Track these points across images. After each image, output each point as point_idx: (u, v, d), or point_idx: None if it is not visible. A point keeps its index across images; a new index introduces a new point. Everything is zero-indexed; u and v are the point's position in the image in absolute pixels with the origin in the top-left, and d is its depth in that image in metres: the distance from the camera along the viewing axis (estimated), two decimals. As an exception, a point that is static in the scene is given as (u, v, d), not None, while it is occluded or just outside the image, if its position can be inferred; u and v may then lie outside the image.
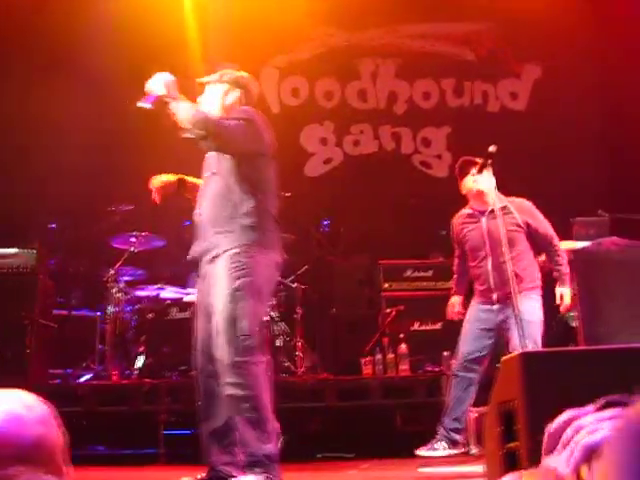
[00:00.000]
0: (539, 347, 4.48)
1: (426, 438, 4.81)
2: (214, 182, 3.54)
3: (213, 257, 3.45)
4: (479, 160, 4.42)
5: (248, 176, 3.50)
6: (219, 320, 3.33)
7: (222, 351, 3.29)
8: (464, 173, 4.69)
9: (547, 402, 2.37)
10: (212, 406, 3.39)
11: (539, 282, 4.83)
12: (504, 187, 4.69)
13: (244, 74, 3.84)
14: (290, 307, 6.35)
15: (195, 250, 3.57)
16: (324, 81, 8.35)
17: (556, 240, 4.83)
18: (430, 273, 6.46)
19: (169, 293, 6.06)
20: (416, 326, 6.27)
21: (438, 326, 6.26)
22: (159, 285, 6.12)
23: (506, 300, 4.53)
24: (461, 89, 8.47)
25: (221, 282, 3.37)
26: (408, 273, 6.46)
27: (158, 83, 3.40)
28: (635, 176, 7.50)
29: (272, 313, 6.15)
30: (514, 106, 8.51)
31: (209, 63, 7.89)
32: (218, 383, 3.35)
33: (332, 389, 5.56)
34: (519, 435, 2.37)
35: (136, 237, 6.16)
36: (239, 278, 3.34)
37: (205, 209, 3.54)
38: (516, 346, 4.24)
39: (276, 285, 3.78)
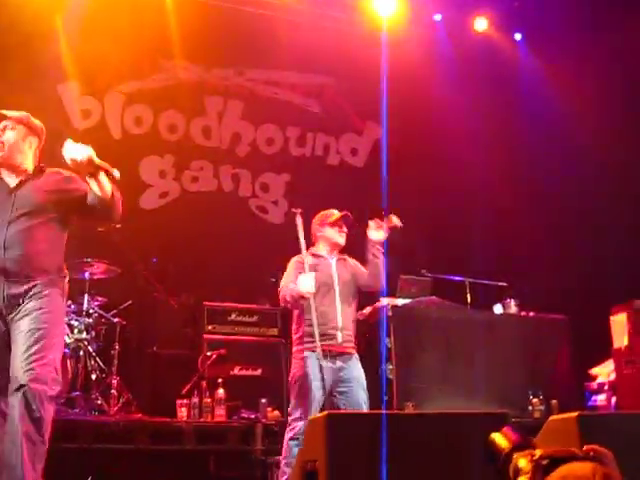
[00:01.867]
0: None
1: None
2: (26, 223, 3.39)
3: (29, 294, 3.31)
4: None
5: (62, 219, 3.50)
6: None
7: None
8: (339, 225, 4.79)
9: (349, 464, 2.40)
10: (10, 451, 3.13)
11: None
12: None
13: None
14: (108, 342, 6.12)
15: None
16: (169, 113, 8.23)
17: None
18: (255, 319, 6.49)
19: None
20: (236, 371, 6.23)
21: (258, 372, 6.27)
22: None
23: (344, 355, 4.52)
24: (304, 139, 8.66)
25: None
26: (233, 317, 6.45)
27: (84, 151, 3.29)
28: (455, 240, 7.92)
29: (89, 347, 5.91)
30: (353, 162, 8.81)
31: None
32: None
33: (144, 431, 5.36)
34: (319, 495, 2.38)
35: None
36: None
37: (18, 250, 3.34)
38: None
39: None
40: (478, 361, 5.87)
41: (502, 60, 8.97)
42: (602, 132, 7.65)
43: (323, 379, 4.36)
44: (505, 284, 6.63)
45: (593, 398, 7.11)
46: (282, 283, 4.62)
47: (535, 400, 6.00)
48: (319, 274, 4.57)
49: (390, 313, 5.77)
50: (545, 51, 8.56)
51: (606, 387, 7.05)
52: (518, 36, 9.26)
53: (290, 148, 8.61)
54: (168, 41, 7.96)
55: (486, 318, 6.25)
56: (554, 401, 6.03)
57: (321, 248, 4.82)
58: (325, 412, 2.32)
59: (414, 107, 8.45)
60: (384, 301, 5.95)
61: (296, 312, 4.68)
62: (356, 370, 4.51)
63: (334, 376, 4.44)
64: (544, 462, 1.51)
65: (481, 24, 9.00)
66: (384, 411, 3.59)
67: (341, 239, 4.78)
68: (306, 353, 4.48)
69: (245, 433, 5.50)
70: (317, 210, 4.93)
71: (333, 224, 4.78)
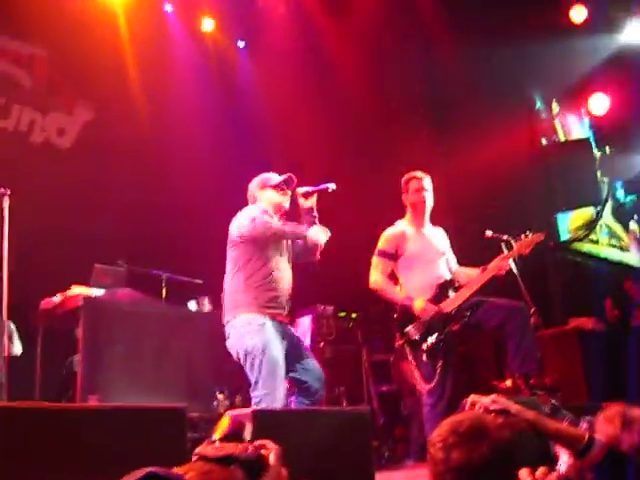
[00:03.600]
0: None
1: None
2: None
3: None
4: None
5: None
6: None
7: None
8: (282, 188, 4.55)
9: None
10: None
11: None
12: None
13: None
14: None
15: None
16: None
17: None
18: None
19: None
20: None
21: None
22: None
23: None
24: (9, 111, 8.01)
25: None
26: None
27: None
28: (155, 233, 7.83)
29: None
30: (59, 142, 8.34)
31: None
32: None
33: None
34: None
35: None
36: None
37: None
38: None
39: None
40: (168, 356, 5.88)
41: (224, 62, 9.17)
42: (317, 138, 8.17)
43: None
44: (201, 281, 6.72)
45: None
46: (262, 220, 4.32)
47: (220, 396, 6.17)
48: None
49: (81, 303, 5.57)
50: (263, 60, 8.93)
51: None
52: (241, 43, 9.55)
53: (-7, 118, 7.91)
54: None
55: (179, 314, 6.29)
56: (238, 397, 6.25)
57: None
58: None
59: (131, 93, 8.30)
60: (75, 290, 5.73)
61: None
62: None
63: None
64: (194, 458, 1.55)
65: (208, 25, 9.12)
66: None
67: (285, 201, 4.55)
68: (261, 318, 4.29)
69: None
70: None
71: (275, 187, 4.53)
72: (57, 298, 5.84)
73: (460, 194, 8.18)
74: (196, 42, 9.09)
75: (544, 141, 9.80)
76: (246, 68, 9.41)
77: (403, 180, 5.09)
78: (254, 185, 4.63)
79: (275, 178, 4.58)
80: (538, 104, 10.00)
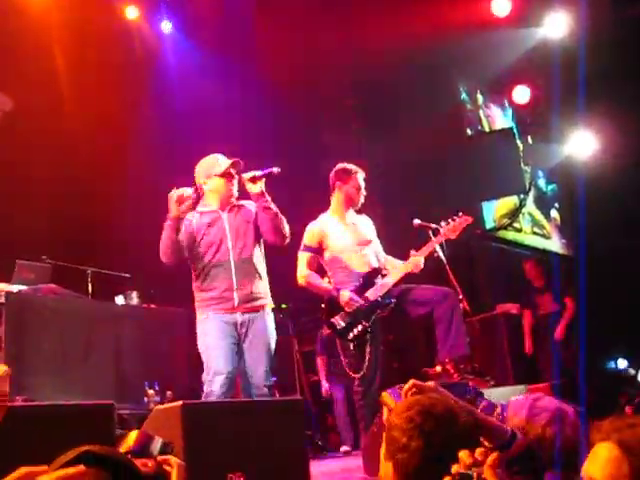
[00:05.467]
0: None
1: None
2: None
3: None
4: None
5: None
6: None
7: None
8: (229, 175, 4.36)
9: None
10: None
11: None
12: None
13: None
14: None
15: None
16: None
17: None
18: None
19: None
20: None
21: None
22: None
23: None
24: None
25: None
26: None
27: None
28: (76, 227, 7.61)
29: None
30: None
31: None
32: None
33: None
34: None
35: None
36: None
37: None
38: None
39: None
40: (96, 353, 5.73)
41: (150, 50, 9.01)
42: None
43: None
44: (128, 275, 6.59)
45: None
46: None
47: (151, 392, 6.06)
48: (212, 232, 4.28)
49: (2, 299, 5.37)
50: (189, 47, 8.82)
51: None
52: (168, 25, 9.29)
53: None
54: None
55: (106, 309, 6.13)
56: (169, 392, 6.15)
57: (211, 202, 4.37)
58: None
59: (54, 82, 8.06)
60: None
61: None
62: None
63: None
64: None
65: (132, 12, 8.91)
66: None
67: (234, 190, 4.34)
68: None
69: None
70: None
71: (222, 175, 4.29)
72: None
73: (388, 184, 8.26)
74: (121, 29, 8.87)
75: (469, 131, 9.99)
76: (172, 55, 9.25)
77: (343, 169, 5.00)
78: (199, 174, 4.40)
79: (222, 164, 4.33)
80: (463, 95, 10.18)
